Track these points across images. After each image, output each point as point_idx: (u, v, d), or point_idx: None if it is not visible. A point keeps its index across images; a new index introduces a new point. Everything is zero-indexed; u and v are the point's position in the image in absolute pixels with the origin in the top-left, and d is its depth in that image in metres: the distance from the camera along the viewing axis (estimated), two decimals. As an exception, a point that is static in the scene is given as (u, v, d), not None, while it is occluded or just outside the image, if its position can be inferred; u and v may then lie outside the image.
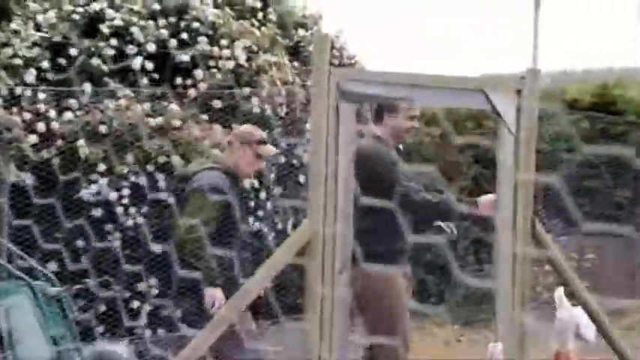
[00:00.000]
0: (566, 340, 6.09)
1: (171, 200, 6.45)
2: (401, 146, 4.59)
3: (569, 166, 9.24)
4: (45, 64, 6.85)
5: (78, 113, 6.59)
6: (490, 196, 4.24)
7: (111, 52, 6.95)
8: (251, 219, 6.93)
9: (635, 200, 9.92)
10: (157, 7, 7.27)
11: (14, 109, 6.47)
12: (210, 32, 7.25)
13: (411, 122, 4.49)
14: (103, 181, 6.41)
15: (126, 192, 6.46)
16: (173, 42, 7.11)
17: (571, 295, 6.62)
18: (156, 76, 7.03)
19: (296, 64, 7.83)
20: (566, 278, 3.74)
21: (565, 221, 9.01)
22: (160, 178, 6.52)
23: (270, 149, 4.73)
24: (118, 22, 7.08)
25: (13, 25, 7.12)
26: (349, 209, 3.55)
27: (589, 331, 6.08)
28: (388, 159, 4.38)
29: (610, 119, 9.83)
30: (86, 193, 6.38)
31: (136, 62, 6.94)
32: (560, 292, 7.15)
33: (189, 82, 6.99)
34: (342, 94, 3.48)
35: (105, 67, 6.89)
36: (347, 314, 3.57)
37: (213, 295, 4.31)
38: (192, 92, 6.93)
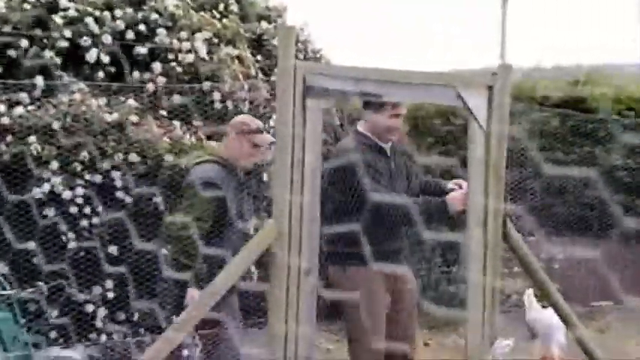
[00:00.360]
0: (551, 344, 6.20)
1: (129, 199, 6.48)
2: (387, 146, 4.60)
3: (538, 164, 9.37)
4: (-6, 56, 6.78)
5: (29, 108, 6.51)
6: (458, 192, 4.31)
7: (64, 43, 6.88)
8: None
9: (605, 200, 10.08)
10: (113, -4, 7.22)
11: (-39, 103, 6.38)
12: (170, 24, 7.21)
13: (395, 121, 4.52)
14: (56, 179, 6.34)
15: (80, 191, 6.40)
16: (130, 34, 7.07)
17: (540, 297, 6.74)
18: (112, 69, 6.98)
19: (259, 57, 7.83)
20: (538, 279, 3.81)
21: (535, 221, 9.14)
22: (117, 176, 6.47)
23: (267, 138, 4.71)
24: (72, 13, 7.01)
25: (-40, 15, 7.02)
26: (316, 209, 3.57)
27: (560, 333, 6.20)
28: (355, 159, 4.42)
29: (581, 117, 9.97)
30: (38, 192, 6.31)
31: (91, 55, 6.89)
32: (529, 293, 7.27)
33: (147, 75, 6.95)
34: (308, 90, 3.50)
35: (58, 60, 6.82)
36: (313, 316, 3.60)
37: (194, 296, 4.31)
38: (150, 86, 6.90)
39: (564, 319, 3.86)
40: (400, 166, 4.57)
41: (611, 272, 9.89)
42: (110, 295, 6.47)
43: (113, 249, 6.45)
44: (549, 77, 11.85)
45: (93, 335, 6.47)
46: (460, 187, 4.40)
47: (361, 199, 4.30)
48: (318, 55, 8.54)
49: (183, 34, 7.12)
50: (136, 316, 6.60)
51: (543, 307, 6.98)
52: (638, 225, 8.93)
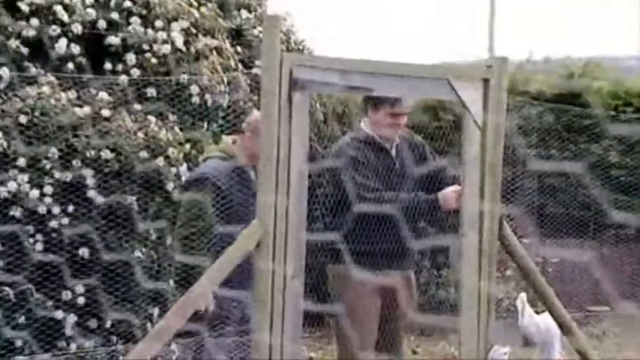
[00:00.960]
0: (552, 352, 6.27)
1: (101, 199, 6.45)
2: (389, 144, 4.60)
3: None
4: (-44, 47, 6.72)
5: (-6, 101, 6.48)
6: (451, 189, 4.33)
7: (31, 33, 6.84)
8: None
9: (601, 200, 10.15)
10: (83, -17, 7.18)
11: None
12: (144, 12, 7.17)
13: (393, 119, 4.52)
14: (23, 177, 6.30)
15: (49, 189, 6.36)
16: (102, 23, 7.03)
17: (535, 301, 6.80)
18: (82, 60, 6.94)
19: (239, 48, 7.82)
20: (535, 283, 3.83)
21: (529, 223, 9.19)
22: (88, 174, 6.44)
23: None
24: (39, 0, 6.97)
25: None
26: (302, 210, 3.57)
27: (558, 340, 6.27)
28: (344, 156, 4.45)
29: (576, 112, 10.05)
30: (3, 190, 6.27)
31: (61, 45, 6.85)
32: (522, 298, 7.33)
33: (120, 67, 6.92)
34: (294, 82, 3.50)
35: (24, 50, 6.78)
36: (299, 321, 3.61)
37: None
38: (123, 79, 6.87)
39: (561, 323, 3.89)
40: (407, 164, 4.55)
41: (608, 276, 9.97)
42: (81, 300, 6.43)
43: (84, 251, 6.42)
44: (541, 70, 11.93)
45: (62, 344, 6.43)
46: None
47: (349, 198, 4.33)
48: (301, 47, 8.54)
49: (159, 24, 7.09)
50: (108, 324, 6.56)
51: (536, 312, 7.05)
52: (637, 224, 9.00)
